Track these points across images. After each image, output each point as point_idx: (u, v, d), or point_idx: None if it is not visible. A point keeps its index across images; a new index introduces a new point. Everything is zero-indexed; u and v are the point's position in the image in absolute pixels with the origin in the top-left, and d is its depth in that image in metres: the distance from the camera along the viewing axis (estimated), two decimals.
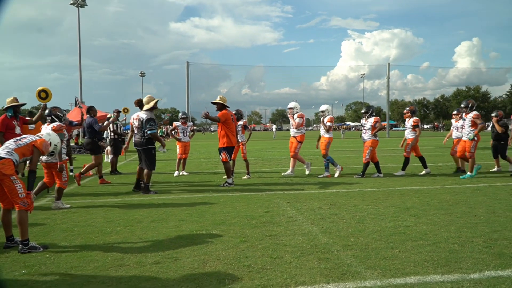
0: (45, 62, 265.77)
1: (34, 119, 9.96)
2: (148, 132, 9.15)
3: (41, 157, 6.78)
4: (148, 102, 9.44)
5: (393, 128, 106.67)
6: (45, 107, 9.17)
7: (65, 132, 7.71)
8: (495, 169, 12.66)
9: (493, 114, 12.58)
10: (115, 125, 13.27)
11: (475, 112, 11.11)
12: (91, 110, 11.37)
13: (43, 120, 8.67)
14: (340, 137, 50.36)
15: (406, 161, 11.89)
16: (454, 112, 12.95)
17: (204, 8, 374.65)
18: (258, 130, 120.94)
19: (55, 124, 7.46)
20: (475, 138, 11.02)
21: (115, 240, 5.52)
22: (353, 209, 7.22)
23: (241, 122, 11.66)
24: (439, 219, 6.35)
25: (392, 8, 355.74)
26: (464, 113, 11.50)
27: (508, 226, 5.89)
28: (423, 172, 11.90)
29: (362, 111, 11.79)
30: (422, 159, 12.06)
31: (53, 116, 7.76)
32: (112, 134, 13.27)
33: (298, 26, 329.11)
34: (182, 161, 13.01)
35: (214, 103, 10.41)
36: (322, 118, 12.01)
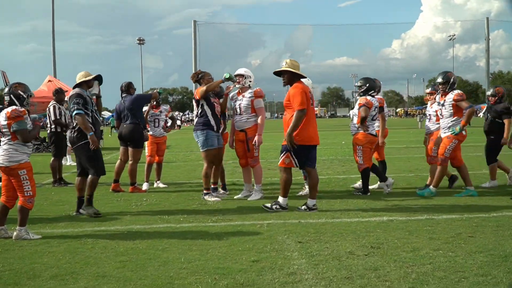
0: (19, 30, 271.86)
1: None
2: (73, 113, 8.46)
3: None
4: (84, 76, 8.81)
5: None
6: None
7: (28, 121, 7.13)
8: (486, 184, 10.83)
9: (488, 93, 10.99)
10: (57, 111, 12.12)
11: (457, 91, 9.52)
12: (131, 88, 11.26)
13: None
14: (417, 126, 48.69)
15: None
16: (427, 91, 11.15)
17: None
18: None
19: (9, 109, 7.06)
20: (463, 132, 9.51)
21: None
22: (409, 256, 5.74)
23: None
24: None
25: None
26: (440, 93, 9.88)
27: None
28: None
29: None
30: (379, 167, 10.69)
31: (11, 96, 7.25)
32: (53, 125, 12.13)
33: None
34: (156, 167, 11.79)
35: (278, 73, 8.74)
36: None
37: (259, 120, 9.71)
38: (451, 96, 9.48)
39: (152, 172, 11.71)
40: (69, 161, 17.33)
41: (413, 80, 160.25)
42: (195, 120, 9.95)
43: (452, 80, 9.59)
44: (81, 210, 8.57)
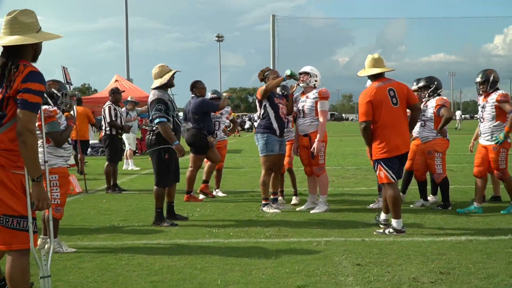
0: (96, 27, 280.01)
1: None
2: (155, 121, 8.28)
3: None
4: (159, 75, 8.56)
5: None
6: None
7: (61, 121, 6.91)
8: None
9: None
10: (113, 113, 12.00)
11: (500, 91, 8.64)
12: (195, 88, 10.83)
13: None
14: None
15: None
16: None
17: None
18: None
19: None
20: (508, 140, 8.63)
21: None
22: (482, 284, 5.18)
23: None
24: None
25: None
26: (482, 94, 8.99)
27: None
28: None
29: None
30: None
31: (45, 95, 6.92)
32: (108, 127, 12.01)
33: None
34: (215, 174, 11.54)
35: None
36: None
37: (320, 122, 9.13)
38: (493, 97, 8.72)
39: (211, 179, 11.37)
40: (130, 165, 17.29)
41: None
42: (257, 122, 9.58)
43: (492, 78, 8.81)
44: (153, 226, 8.37)
